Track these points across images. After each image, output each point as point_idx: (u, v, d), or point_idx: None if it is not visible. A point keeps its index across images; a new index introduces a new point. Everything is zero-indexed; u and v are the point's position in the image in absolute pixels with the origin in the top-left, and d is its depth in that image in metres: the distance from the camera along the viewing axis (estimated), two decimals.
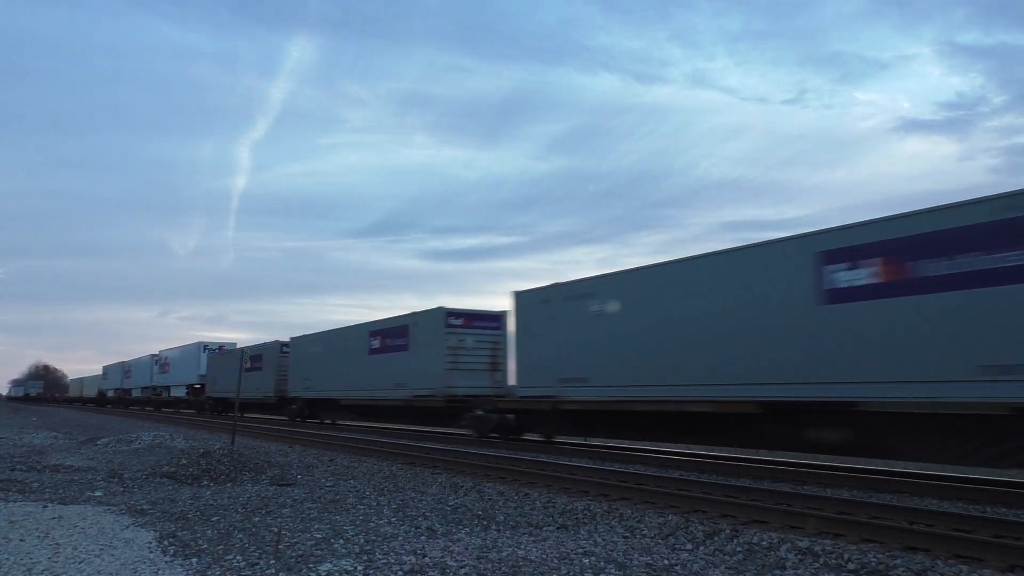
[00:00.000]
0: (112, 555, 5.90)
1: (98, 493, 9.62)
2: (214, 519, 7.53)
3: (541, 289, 17.38)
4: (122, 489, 10.07)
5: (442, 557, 5.83)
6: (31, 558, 5.78)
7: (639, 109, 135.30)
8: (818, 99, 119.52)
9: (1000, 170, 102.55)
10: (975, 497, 9.06)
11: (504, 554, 5.97)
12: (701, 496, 8.99)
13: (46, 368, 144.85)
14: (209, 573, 5.37)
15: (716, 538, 6.80)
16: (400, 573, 5.36)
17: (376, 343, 25.22)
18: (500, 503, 8.99)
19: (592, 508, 8.43)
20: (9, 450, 16.11)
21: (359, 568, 5.45)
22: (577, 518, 7.97)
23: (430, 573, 5.35)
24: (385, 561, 5.68)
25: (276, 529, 7.00)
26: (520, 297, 18.12)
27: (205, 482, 10.84)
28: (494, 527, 7.37)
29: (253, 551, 6.04)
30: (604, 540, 6.69)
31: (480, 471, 12.31)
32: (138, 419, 37.91)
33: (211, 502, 8.66)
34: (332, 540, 6.51)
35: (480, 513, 8.17)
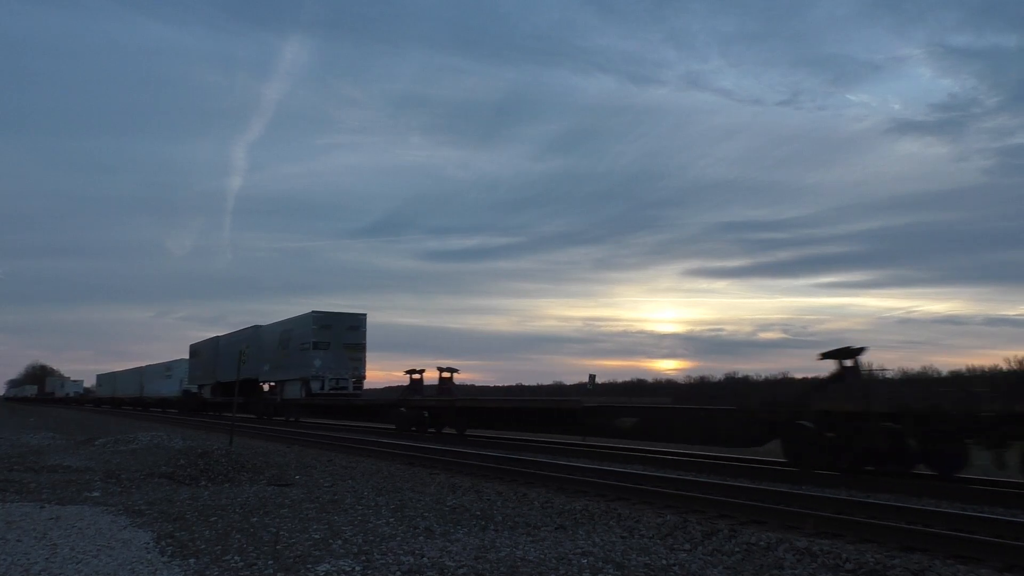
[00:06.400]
0: (110, 555, 5.89)
1: (96, 494, 9.60)
2: (212, 519, 7.53)
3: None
4: (120, 489, 10.05)
5: (440, 557, 5.83)
6: (28, 558, 5.77)
7: (634, 110, 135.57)
8: (811, 100, 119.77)
9: (993, 171, 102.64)
10: (973, 497, 9.07)
11: (502, 554, 5.97)
12: (699, 496, 9.00)
13: (43, 368, 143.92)
14: (207, 573, 5.36)
15: (714, 538, 6.80)
16: (398, 573, 5.36)
17: None
18: (498, 503, 8.99)
19: (590, 508, 8.43)
20: (7, 450, 16.09)
21: (357, 568, 5.45)
22: (575, 518, 7.97)
23: (428, 573, 5.35)
24: (383, 561, 5.68)
25: (274, 529, 6.99)
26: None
27: (203, 482, 10.82)
28: (492, 527, 7.36)
29: (251, 551, 6.04)
30: (602, 540, 6.69)
31: (478, 471, 12.31)
32: (136, 419, 37.86)
33: (209, 502, 8.65)
34: (330, 540, 6.51)
35: (478, 513, 8.17)
